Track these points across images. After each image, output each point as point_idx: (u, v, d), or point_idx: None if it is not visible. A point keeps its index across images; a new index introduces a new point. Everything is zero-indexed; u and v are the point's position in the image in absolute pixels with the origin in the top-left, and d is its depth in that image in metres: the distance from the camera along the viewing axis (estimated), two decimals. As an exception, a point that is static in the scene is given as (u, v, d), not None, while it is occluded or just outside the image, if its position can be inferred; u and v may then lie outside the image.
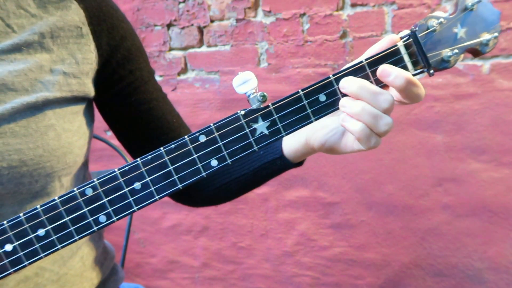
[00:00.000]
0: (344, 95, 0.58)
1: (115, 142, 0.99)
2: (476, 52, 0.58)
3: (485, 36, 0.57)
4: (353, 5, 1.38)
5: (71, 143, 0.69)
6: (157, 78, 1.66)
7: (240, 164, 0.76)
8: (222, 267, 1.78)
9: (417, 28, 0.56)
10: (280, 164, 0.72)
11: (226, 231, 1.73)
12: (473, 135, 1.35)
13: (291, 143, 0.70)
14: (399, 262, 1.52)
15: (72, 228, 0.59)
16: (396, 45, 0.57)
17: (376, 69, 0.57)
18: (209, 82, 1.62)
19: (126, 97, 0.76)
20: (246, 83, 0.57)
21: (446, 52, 0.57)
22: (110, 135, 1.75)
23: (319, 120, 0.60)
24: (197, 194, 0.83)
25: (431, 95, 1.36)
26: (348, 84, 0.56)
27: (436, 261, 1.47)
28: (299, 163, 0.73)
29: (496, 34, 0.57)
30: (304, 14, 1.44)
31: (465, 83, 1.32)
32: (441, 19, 0.56)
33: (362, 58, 0.59)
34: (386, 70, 0.56)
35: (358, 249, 1.56)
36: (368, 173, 1.49)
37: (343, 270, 1.60)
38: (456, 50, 0.57)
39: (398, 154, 1.44)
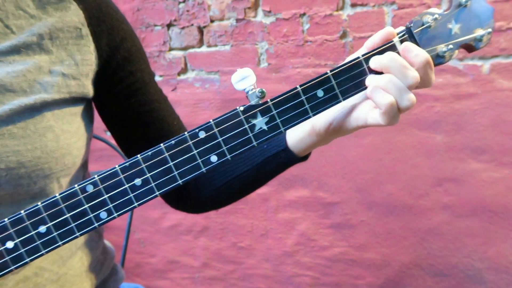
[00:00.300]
0: (346, 91, 0.58)
1: (115, 142, 0.99)
2: (470, 47, 0.59)
3: (479, 32, 0.58)
4: (353, 5, 1.38)
5: (70, 144, 0.68)
6: (157, 78, 1.67)
7: (242, 160, 0.74)
8: (222, 267, 1.78)
9: (412, 24, 0.58)
10: (285, 157, 0.70)
11: (226, 231, 1.73)
12: (473, 135, 1.35)
13: (295, 133, 0.68)
14: (399, 262, 1.52)
15: (73, 225, 0.59)
16: (392, 41, 0.58)
17: None
18: (209, 82, 1.62)
19: (126, 98, 0.76)
20: (244, 80, 0.57)
21: (441, 48, 0.58)
22: (110, 135, 1.75)
23: None
24: (197, 196, 0.82)
25: (431, 95, 1.36)
26: (379, 57, 0.58)
27: (436, 261, 1.47)
28: (303, 158, 0.72)
29: (489, 29, 0.58)
30: (304, 14, 1.44)
31: (465, 83, 1.33)
32: (436, 15, 0.57)
33: (359, 53, 0.60)
34: (408, 47, 0.57)
35: (358, 249, 1.56)
36: (368, 173, 1.49)
37: (343, 270, 1.60)
38: (450, 46, 0.58)
39: (398, 154, 1.44)
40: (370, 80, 0.58)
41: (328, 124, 0.64)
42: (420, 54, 0.57)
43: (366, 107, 0.61)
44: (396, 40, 0.58)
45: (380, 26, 1.36)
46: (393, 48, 0.58)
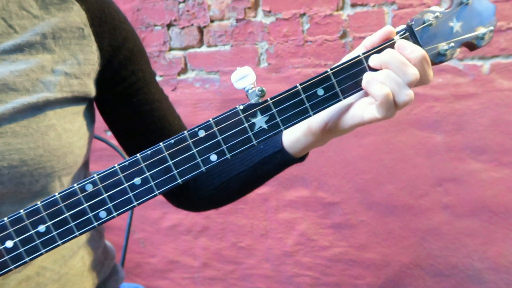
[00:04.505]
0: (347, 89, 0.58)
1: (115, 142, 0.98)
2: (472, 45, 0.59)
3: (481, 30, 0.58)
4: (353, 5, 1.38)
5: (72, 143, 0.69)
6: (157, 78, 1.67)
7: (239, 160, 0.74)
8: (222, 267, 1.78)
9: (413, 22, 0.57)
10: (281, 158, 0.70)
11: (226, 231, 1.73)
12: (473, 135, 1.35)
13: (292, 133, 0.68)
14: (399, 262, 1.52)
15: (72, 224, 0.59)
16: (392, 39, 0.58)
17: None
18: (209, 82, 1.62)
19: (128, 97, 0.77)
20: (244, 78, 0.57)
21: (442, 46, 0.58)
22: (110, 135, 1.75)
23: None
24: (197, 195, 0.82)
25: (431, 95, 1.36)
26: (378, 55, 0.58)
27: (436, 261, 1.47)
28: (300, 159, 0.71)
29: (491, 28, 0.57)
30: (304, 14, 1.44)
31: (465, 83, 1.33)
32: (437, 13, 0.57)
33: (358, 52, 0.59)
34: (403, 44, 0.57)
35: (358, 249, 1.56)
36: (368, 173, 1.49)
37: (343, 270, 1.60)
38: (452, 44, 0.58)
39: (398, 154, 1.44)
40: (368, 74, 0.58)
41: (324, 124, 0.64)
42: (415, 50, 0.56)
43: (363, 104, 0.60)
44: (397, 38, 0.57)
45: (380, 26, 1.36)
46: (393, 46, 0.57)
